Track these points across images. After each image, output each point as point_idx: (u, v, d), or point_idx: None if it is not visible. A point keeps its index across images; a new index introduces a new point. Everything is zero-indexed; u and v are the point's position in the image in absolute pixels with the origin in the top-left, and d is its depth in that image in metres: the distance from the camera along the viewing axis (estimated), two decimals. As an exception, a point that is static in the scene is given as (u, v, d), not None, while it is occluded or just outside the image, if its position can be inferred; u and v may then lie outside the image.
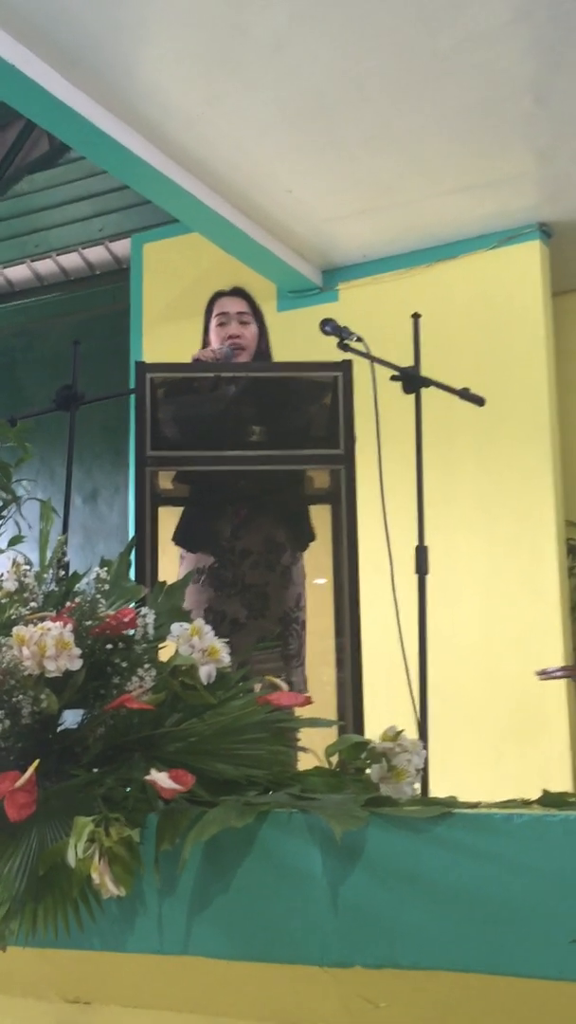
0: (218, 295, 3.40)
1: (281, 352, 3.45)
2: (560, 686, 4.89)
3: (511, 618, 5.07)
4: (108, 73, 4.16)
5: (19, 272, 7.06)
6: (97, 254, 6.81)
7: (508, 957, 1.28)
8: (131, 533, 6.01)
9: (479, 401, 3.15)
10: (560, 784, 4.40)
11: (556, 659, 4.91)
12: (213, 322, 3.34)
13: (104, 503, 6.63)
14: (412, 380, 3.10)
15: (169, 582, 1.93)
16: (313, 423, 2.93)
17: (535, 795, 1.55)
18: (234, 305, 3.35)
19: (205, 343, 3.37)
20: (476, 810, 1.38)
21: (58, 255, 6.87)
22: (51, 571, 1.85)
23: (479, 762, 4.80)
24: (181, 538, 3.16)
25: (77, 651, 1.57)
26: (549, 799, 1.49)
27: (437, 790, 1.94)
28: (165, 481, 3.03)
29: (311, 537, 3.12)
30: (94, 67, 4.12)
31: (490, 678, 5.02)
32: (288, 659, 3.03)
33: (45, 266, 6.98)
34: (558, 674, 4.76)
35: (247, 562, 3.10)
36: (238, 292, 3.43)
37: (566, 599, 5.12)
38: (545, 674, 4.72)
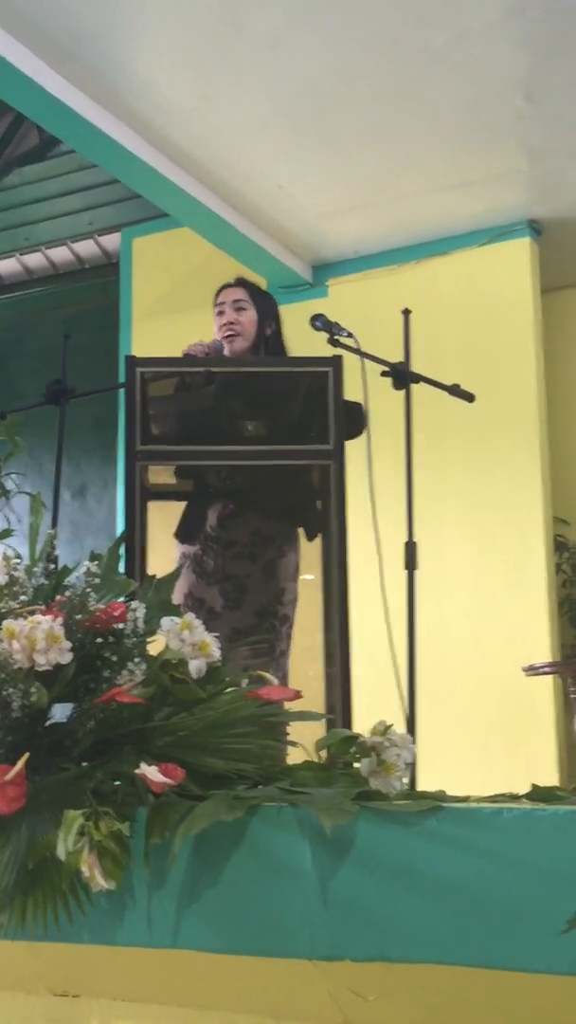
0: (221, 288, 3.42)
1: (271, 347, 3.46)
2: (547, 682, 4.90)
3: (499, 614, 5.09)
4: (101, 68, 4.15)
5: (8, 266, 7.04)
6: (87, 248, 6.79)
7: (497, 951, 1.28)
8: (119, 528, 6.02)
9: (469, 397, 3.16)
10: (547, 780, 4.40)
11: (544, 655, 4.92)
12: (213, 313, 3.36)
13: (93, 498, 6.62)
14: (402, 376, 3.10)
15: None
16: (303, 418, 2.93)
17: (523, 790, 1.56)
18: (231, 294, 3.36)
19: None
20: (466, 804, 1.38)
21: (47, 249, 6.85)
22: (41, 565, 1.85)
23: (467, 757, 4.81)
24: (179, 533, 3.17)
25: (67, 645, 1.57)
26: (538, 794, 1.50)
27: (425, 785, 1.94)
28: (155, 476, 3.03)
29: (318, 529, 3.10)
30: (87, 62, 4.11)
31: (478, 674, 5.04)
32: (260, 653, 3.02)
33: (34, 260, 6.96)
34: (546, 670, 4.77)
35: (230, 552, 3.11)
36: (238, 282, 3.44)
37: (554, 595, 5.14)
38: (533, 670, 4.73)
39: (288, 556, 3.19)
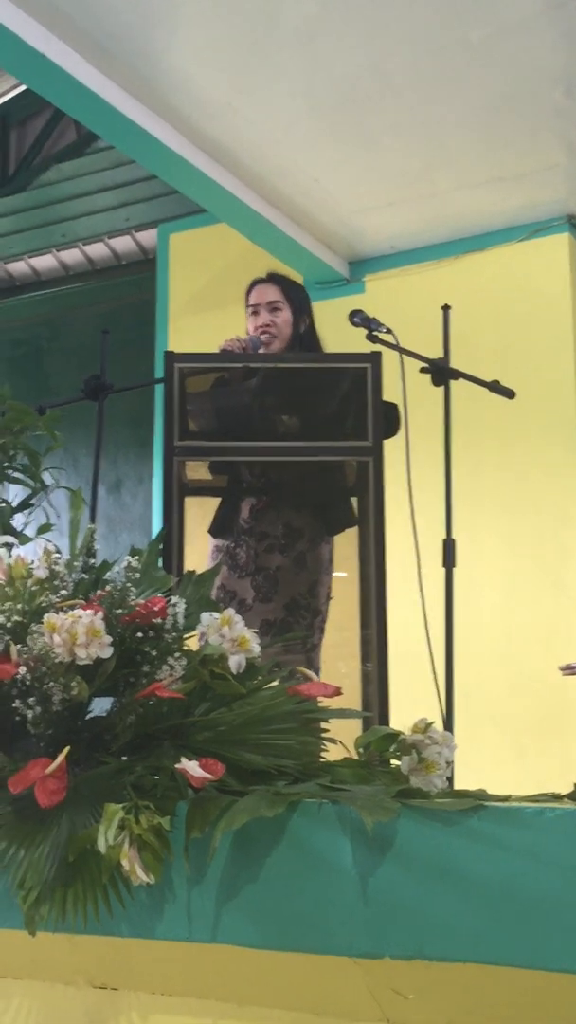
0: (254, 283, 3.40)
1: (309, 343, 3.45)
2: (583, 682, 4.86)
3: (534, 613, 5.06)
4: (138, 62, 4.16)
5: (45, 261, 7.08)
6: (123, 244, 6.82)
7: (537, 951, 1.27)
8: (155, 523, 6.04)
9: (509, 394, 3.14)
10: (582, 780, 4.38)
11: (580, 654, 4.89)
12: (248, 311, 3.34)
13: (128, 493, 6.64)
14: (441, 372, 3.09)
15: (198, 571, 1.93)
16: (342, 414, 2.92)
17: (556, 790, 1.55)
18: (264, 294, 3.34)
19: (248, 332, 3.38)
20: (507, 804, 1.38)
21: (84, 245, 6.88)
22: (81, 559, 1.86)
23: (501, 757, 4.79)
24: (213, 528, 3.17)
25: (108, 639, 1.58)
26: (580, 794, 1.49)
27: (459, 784, 1.93)
28: (192, 471, 3.04)
29: (348, 523, 3.09)
30: (124, 56, 4.12)
31: (512, 673, 5.01)
32: (291, 647, 3.02)
33: (71, 256, 6.99)
34: (582, 670, 4.73)
35: (262, 545, 3.11)
36: (271, 278, 3.41)
37: (590, 594, 5.10)
38: (569, 669, 4.69)
39: (321, 549, 3.18)
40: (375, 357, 2.80)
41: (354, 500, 3.08)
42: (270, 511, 3.15)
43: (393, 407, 3.00)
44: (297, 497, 3.15)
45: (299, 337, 3.34)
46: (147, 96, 4.35)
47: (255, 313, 3.32)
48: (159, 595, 1.73)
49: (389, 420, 2.98)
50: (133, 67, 4.18)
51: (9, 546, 1.83)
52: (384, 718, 2.60)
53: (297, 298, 3.39)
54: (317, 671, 3.07)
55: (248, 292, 3.39)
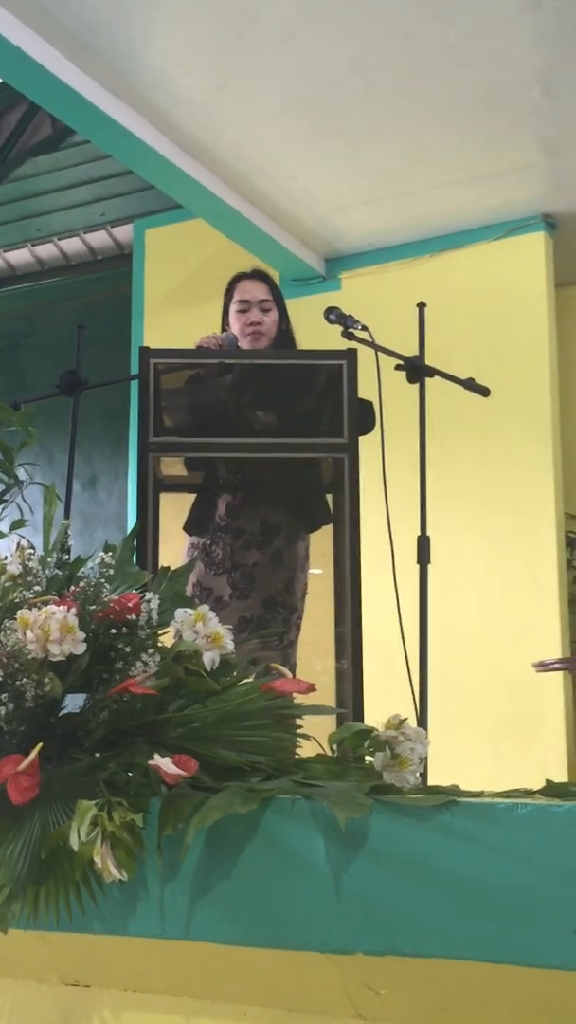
0: (239, 277, 3.38)
1: (284, 340, 3.45)
2: (557, 678, 4.89)
3: (510, 610, 5.08)
4: (116, 58, 4.14)
5: (20, 256, 7.04)
6: (99, 239, 6.79)
7: (510, 946, 1.28)
8: (130, 520, 6.02)
9: (484, 392, 3.15)
10: (556, 776, 4.39)
11: (554, 651, 4.91)
12: (233, 307, 3.32)
13: (103, 489, 6.62)
14: (417, 370, 3.09)
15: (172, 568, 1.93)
16: (317, 411, 2.92)
17: (531, 786, 1.55)
18: (256, 291, 3.33)
19: (224, 325, 3.36)
20: (480, 799, 1.38)
21: (60, 239, 6.85)
22: (55, 555, 1.85)
23: (476, 753, 4.81)
24: (188, 525, 3.17)
25: (81, 635, 1.57)
26: (552, 789, 1.49)
27: (433, 780, 1.94)
28: (167, 467, 3.03)
29: (325, 520, 3.10)
30: (102, 52, 4.10)
31: (488, 670, 5.03)
32: (268, 643, 3.02)
33: (47, 250, 6.96)
34: (556, 666, 4.76)
35: (238, 542, 3.10)
36: (260, 276, 3.41)
37: (564, 591, 5.13)
38: (543, 666, 4.73)
39: (297, 546, 3.19)
40: (351, 354, 2.80)
41: (330, 497, 3.08)
42: (246, 508, 3.15)
43: (369, 405, 3.00)
44: (273, 494, 3.15)
45: (282, 337, 3.35)
46: (124, 91, 4.33)
47: (244, 310, 3.30)
48: (133, 591, 1.73)
49: (365, 417, 2.98)
50: (111, 62, 4.17)
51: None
52: (358, 715, 2.61)
53: (280, 298, 3.40)
54: (293, 667, 3.08)
55: (232, 286, 3.38)
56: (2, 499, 2.34)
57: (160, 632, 1.70)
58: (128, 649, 1.63)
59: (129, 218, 6.49)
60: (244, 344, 3.28)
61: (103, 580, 1.70)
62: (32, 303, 7.05)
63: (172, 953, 1.46)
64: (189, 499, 3.25)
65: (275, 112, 4.51)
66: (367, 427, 3.03)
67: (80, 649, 1.57)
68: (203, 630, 1.63)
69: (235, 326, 3.30)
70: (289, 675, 1.69)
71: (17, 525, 2.23)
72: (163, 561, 2.72)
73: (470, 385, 3.15)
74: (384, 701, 2.16)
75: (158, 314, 6.07)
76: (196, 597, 2.98)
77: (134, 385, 4.38)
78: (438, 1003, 1.36)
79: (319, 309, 3.17)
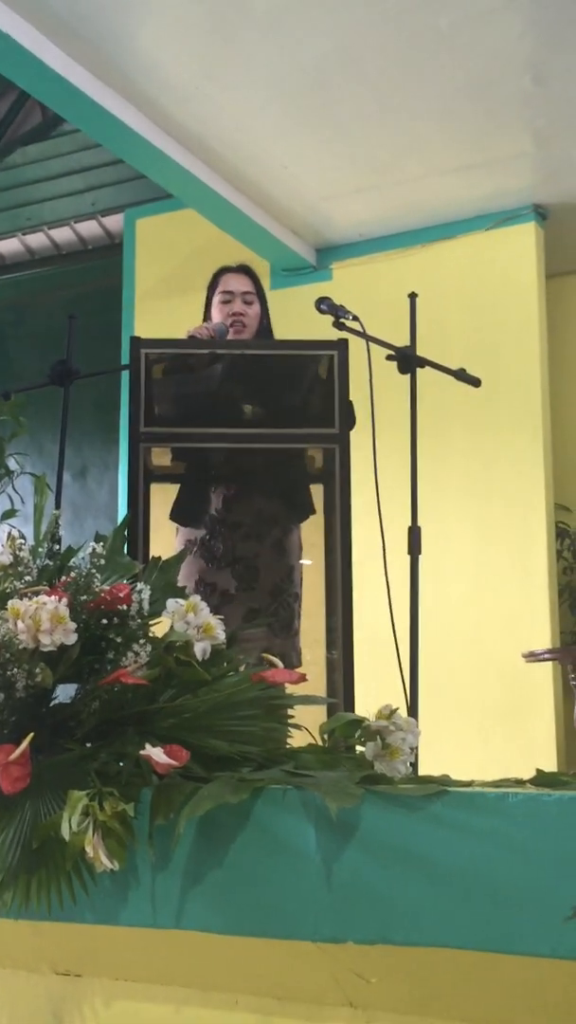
0: (223, 271, 3.40)
1: (275, 330, 3.44)
2: (547, 669, 4.91)
3: (500, 601, 5.09)
4: (106, 46, 4.12)
5: (10, 245, 7.01)
6: (89, 228, 6.76)
7: (501, 934, 1.28)
8: (120, 510, 6.01)
9: (475, 382, 3.15)
10: (545, 766, 4.41)
11: (544, 642, 4.93)
12: (217, 298, 3.33)
13: (93, 480, 6.61)
14: (408, 360, 3.08)
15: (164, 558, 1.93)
16: (308, 402, 2.92)
17: (521, 776, 1.56)
18: (240, 284, 3.34)
19: (206, 317, 3.36)
20: (470, 789, 1.38)
21: (50, 229, 6.82)
22: (45, 545, 1.85)
23: (466, 743, 4.82)
24: (176, 514, 3.16)
25: (72, 626, 1.57)
26: (543, 779, 1.50)
27: (424, 770, 1.94)
28: (158, 458, 3.02)
29: (310, 510, 3.11)
30: (92, 39, 4.08)
31: (478, 660, 5.04)
32: (279, 631, 3.03)
33: (37, 240, 6.93)
34: (545, 657, 4.78)
35: (238, 534, 3.10)
36: (244, 270, 3.42)
37: (554, 582, 5.14)
38: (533, 657, 4.74)
39: (293, 535, 3.19)
40: (342, 344, 2.80)
41: (315, 488, 3.08)
42: (241, 499, 3.15)
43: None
44: (266, 484, 3.15)
45: (263, 333, 3.36)
46: (114, 79, 4.31)
47: (228, 301, 3.31)
48: (124, 582, 1.73)
49: (299, 501, 3.02)
50: (101, 49, 4.14)
51: (-27, 532, 1.81)
52: (349, 705, 2.61)
53: (263, 294, 3.42)
54: (299, 654, 3.09)
55: (216, 279, 3.39)
56: (-7, 489, 2.34)
57: (152, 622, 1.70)
58: (119, 639, 1.63)
59: (120, 207, 6.46)
60: (228, 331, 3.29)
61: (94, 570, 1.70)
62: (22, 293, 7.02)
63: (163, 942, 1.47)
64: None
65: (265, 100, 4.49)
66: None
67: (71, 639, 1.57)
68: (194, 620, 1.63)
69: (217, 317, 3.31)
70: (281, 665, 1.69)
71: (8, 515, 2.23)
72: (154, 551, 2.72)
73: (461, 376, 3.15)
74: (375, 691, 2.16)
75: (149, 304, 6.05)
76: (200, 593, 2.98)
77: (125, 375, 4.36)
78: (428, 991, 1.36)
79: (310, 299, 3.16)
